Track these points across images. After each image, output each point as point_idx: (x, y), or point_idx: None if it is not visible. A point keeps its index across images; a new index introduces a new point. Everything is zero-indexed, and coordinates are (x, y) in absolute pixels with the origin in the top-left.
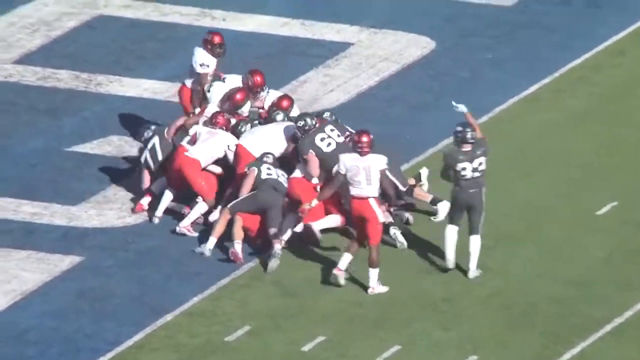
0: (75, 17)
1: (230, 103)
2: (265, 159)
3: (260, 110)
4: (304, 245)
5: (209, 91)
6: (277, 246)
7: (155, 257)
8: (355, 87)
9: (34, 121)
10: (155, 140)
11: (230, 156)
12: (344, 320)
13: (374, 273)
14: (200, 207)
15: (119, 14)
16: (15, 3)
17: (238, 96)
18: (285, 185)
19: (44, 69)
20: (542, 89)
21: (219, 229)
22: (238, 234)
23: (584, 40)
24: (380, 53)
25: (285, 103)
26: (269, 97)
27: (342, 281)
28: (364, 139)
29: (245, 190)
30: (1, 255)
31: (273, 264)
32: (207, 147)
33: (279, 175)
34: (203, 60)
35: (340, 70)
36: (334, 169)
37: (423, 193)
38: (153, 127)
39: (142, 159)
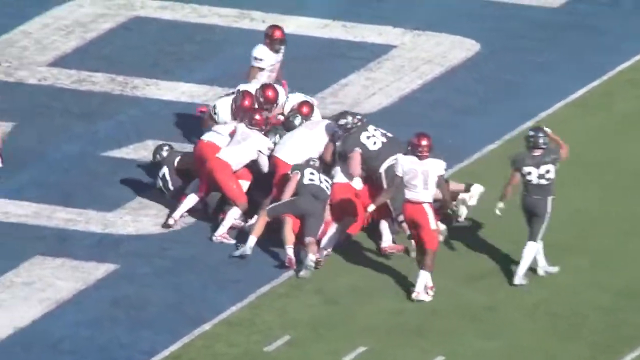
0: (111, 19)
1: (241, 109)
2: (311, 162)
3: (280, 117)
4: (347, 251)
5: (215, 113)
6: (311, 257)
7: (192, 264)
8: (398, 90)
9: (68, 125)
10: (165, 170)
11: (262, 161)
12: (385, 330)
13: (423, 276)
14: (234, 212)
15: (155, 16)
16: (49, 4)
17: (246, 102)
18: (328, 192)
19: (79, 72)
20: (591, 93)
21: (258, 230)
22: (289, 238)
23: (633, 42)
24: (424, 56)
25: (305, 109)
26: (290, 102)
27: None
28: (424, 142)
29: (287, 195)
30: (35, 263)
31: (304, 274)
32: (240, 151)
33: (322, 181)
34: (258, 53)
35: (382, 73)
36: (381, 168)
37: (455, 184)
38: (165, 149)
39: (157, 186)
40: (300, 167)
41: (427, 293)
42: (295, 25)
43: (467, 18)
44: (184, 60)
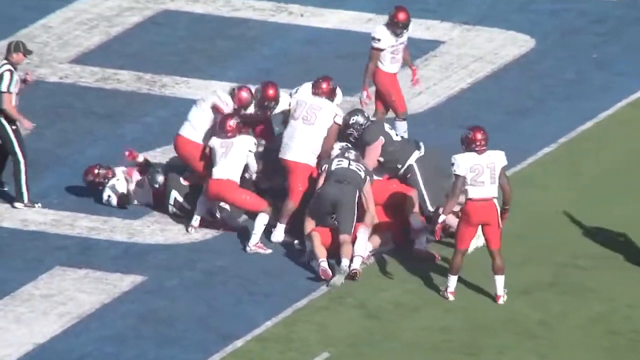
0: (138, 12)
1: (236, 100)
2: (346, 154)
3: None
4: (390, 263)
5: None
6: (345, 261)
7: (224, 277)
8: (446, 89)
9: (91, 127)
10: (175, 195)
11: (252, 161)
12: (431, 347)
13: (500, 280)
14: (262, 219)
15: (186, 9)
16: None
17: (244, 94)
18: (361, 174)
19: (103, 70)
20: None
21: (317, 243)
22: (320, 252)
23: None
24: (474, 52)
25: (271, 92)
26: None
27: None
28: (480, 135)
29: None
30: (56, 274)
31: (337, 281)
32: (231, 161)
33: (351, 164)
34: (377, 33)
35: (429, 70)
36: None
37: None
38: (158, 172)
39: (170, 211)
40: (329, 161)
41: (504, 294)
42: (336, 19)
43: (520, 12)
44: (216, 56)
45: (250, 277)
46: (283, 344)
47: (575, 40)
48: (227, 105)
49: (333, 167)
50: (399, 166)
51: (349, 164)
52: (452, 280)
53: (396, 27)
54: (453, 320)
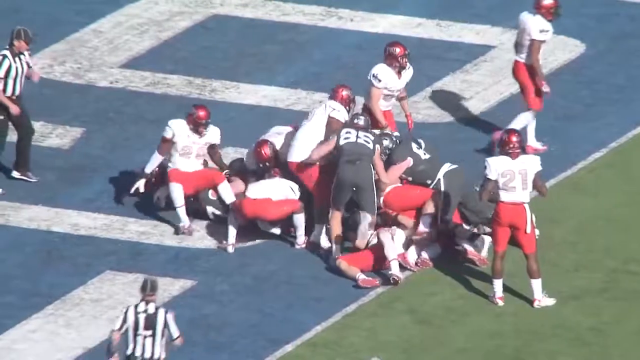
0: (188, 17)
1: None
2: (355, 120)
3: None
4: (441, 267)
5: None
6: (365, 225)
7: (274, 282)
8: (496, 94)
9: (141, 132)
10: (211, 210)
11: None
12: (482, 353)
13: (536, 284)
14: (300, 217)
15: (236, 14)
16: (122, 1)
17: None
18: (369, 146)
19: (153, 74)
20: None
21: (335, 230)
22: (353, 271)
23: None
24: None
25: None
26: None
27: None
28: (514, 138)
29: (320, 152)
30: (106, 278)
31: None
32: (268, 181)
33: (360, 136)
34: (541, 25)
35: (479, 75)
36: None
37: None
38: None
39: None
40: (338, 131)
41: (546, 296)
42: (386, 24)
43: (570, 17)
44: (266, 61)
45: (301, 282)
46: (332, 349)
47: (625, 45)
48: (342, 115)
49: (342, 142)
50: (429, 182)
51: (357, 136)
52: (498, 285)
53: (551, 12)
54: (503, 326)
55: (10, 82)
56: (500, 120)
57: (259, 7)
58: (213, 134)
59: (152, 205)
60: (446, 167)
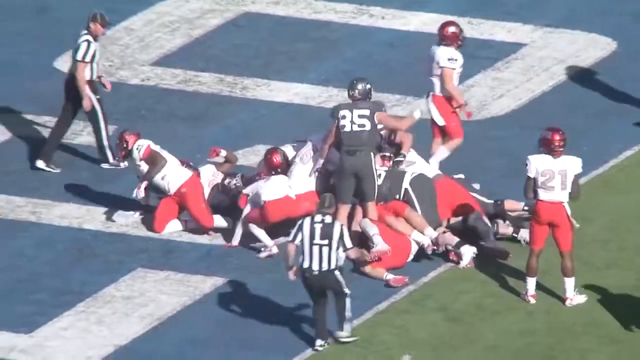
0: (220, 15)
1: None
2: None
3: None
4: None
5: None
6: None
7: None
8: (527, 92)
9: (173, 129)
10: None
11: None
12: (513, 351)
13: (569, 283)
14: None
15: (267, 11)
16: None
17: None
18: (366, 129)
19: (185, 72)
20: None
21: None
22: (379, 273)
23: None
24: (556, 55)
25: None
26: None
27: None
28: (558, 136)
29: (328, 140)
30: (137, 276)
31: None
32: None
33: (354, 122)
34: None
35: (511, 73)
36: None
37: (514, 203)
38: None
39: None
40: (336, 110)
41: (578, 294)
42: (418, 22)
43: (602, 14)
44: (297, 59)
45: None
46: (364, 348)
47: None
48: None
49: (340, 126)
50: (397, 197)
51: (352, 121)
52: (531, 283)
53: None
54: (535, 324)
55: (95, 66)
56: (532, 118)
57: (290, 4)
58: None
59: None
60: (408, 176)
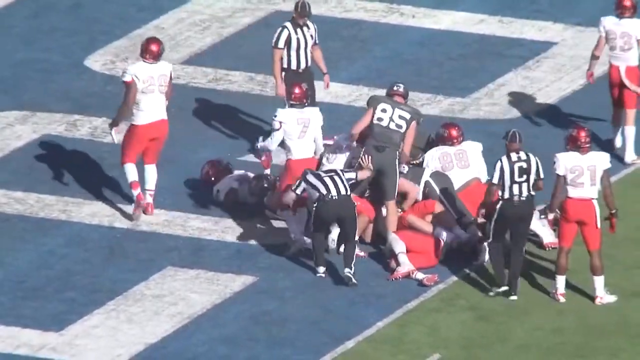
0: (251, 13)
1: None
2: (395, 87)
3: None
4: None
5: None
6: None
7: (335, 278)
8: (558, 91)
9: (203, 127)
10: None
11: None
12: (544, 350)
13: (599, 281)
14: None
15: None
16: None
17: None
18: (401, 130)
19: (216, 70)
20: None
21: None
22: (410, 264)
23: None
24: (587, 54)
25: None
26: None
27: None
28: (584, 133)
29: (359, 127)
30: (167, 274)
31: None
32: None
33: (394, 119)
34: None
35: (541, 72)
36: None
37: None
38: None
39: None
40: (376, 101)
41: (608, 293)
42: (448, 20)
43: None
44: (328, 58)
45: (362, 278)
46: (394, 345)
47: None
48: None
49: (375, 120)
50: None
51: (391, 118)
52: (560, 281)
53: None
54: (565, 322)
55: (293, 54)
56: (563, 117)
57: (321, 3)
58: None
59: (214, 201)
60: (428, 170)
